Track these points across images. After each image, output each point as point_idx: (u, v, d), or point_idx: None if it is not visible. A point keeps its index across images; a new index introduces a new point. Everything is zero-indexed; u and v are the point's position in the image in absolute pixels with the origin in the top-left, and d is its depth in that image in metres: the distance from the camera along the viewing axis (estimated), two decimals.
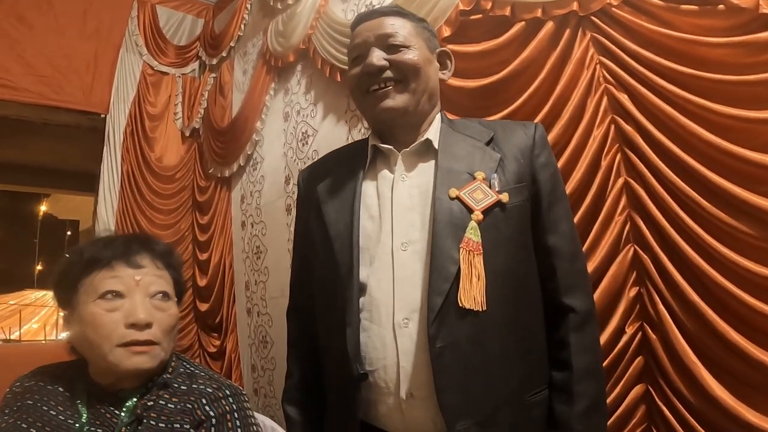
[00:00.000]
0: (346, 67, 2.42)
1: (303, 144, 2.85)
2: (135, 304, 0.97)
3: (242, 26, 3.58)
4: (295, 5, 2.92)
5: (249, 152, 3.34)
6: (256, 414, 1.24)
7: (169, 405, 0.99)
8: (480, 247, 0.96)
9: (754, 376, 1.30)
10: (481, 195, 0.99)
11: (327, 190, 1.14)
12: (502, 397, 0.95)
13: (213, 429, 0.98)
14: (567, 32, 1.70)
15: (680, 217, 1.43)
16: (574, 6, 1.65)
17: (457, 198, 0.99)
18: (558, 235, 1.04)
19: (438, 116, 1.15)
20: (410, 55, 1.07)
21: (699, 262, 1.39)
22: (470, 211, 0.98)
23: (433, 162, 1.06)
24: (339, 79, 2.53)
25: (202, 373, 1.08)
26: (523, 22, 1.78)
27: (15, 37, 3.43)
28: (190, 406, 0.99)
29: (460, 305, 0.93)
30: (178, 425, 0.97)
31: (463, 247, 0.95)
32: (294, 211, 2.85)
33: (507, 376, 0.96)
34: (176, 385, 1.03)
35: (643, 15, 1.53)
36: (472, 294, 0.93)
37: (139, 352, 0.96)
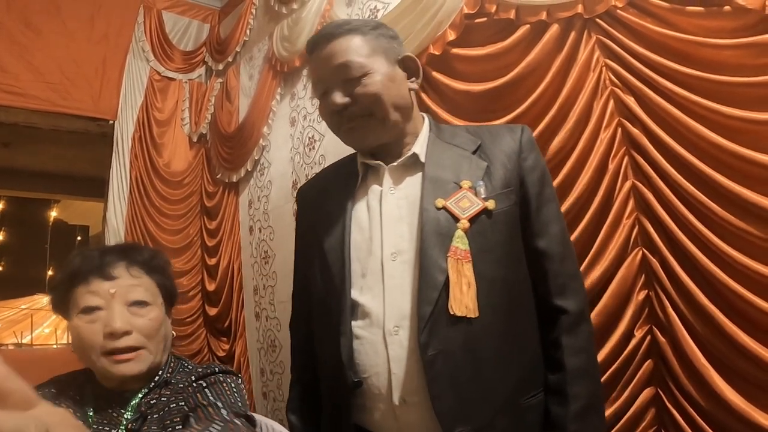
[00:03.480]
0: None
1: (310, 149, 2.86)
2: (112, 314, 1.01)
3: (248, 31, 3.60)
4: (300, 10, 2.93)
5: (256, 157, 3.35)
6: (264, 418, 1.27)
7: (171, 400, 1.03)
8: (468, 254, 0.97)
9: (764, 378, 1.29)
10: (467, 203, 1.01)
11: (321, 207, 1.17)
12: (498, 402, 0.96)
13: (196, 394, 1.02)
14: (572, 35, 1.70)
15: (688, 220, 1.42)
16: (579, 8, 1.65)
17: (444, 208, 1.00)
18: (547, 238, 1.05)
19: (426, 125, 1.15)
20: (370, 87, 1.04)
21: (707, 265, 1.38)
22: (456, 219, 0.99)
23: (420, 173, 1.07)
24: None
25: (198, 367, 1.12)
26: (528, 25, 1.78)
27: (24, 44, 3.44)
28: (182, 386, 1.04)
29: (451, 313, 0.94)
30: (176, 411, 1.01)
31: (450, 255, 0.96)
32: None
33: (501, 381, 0.97)
34: (174, 382, 1.07)
35: (648, 17, 1.53)
36: (464, 302, 0.94)
37: (123, 360, 1.00)
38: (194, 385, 1.03)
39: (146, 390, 1.05)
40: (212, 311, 3.71)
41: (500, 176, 1.04)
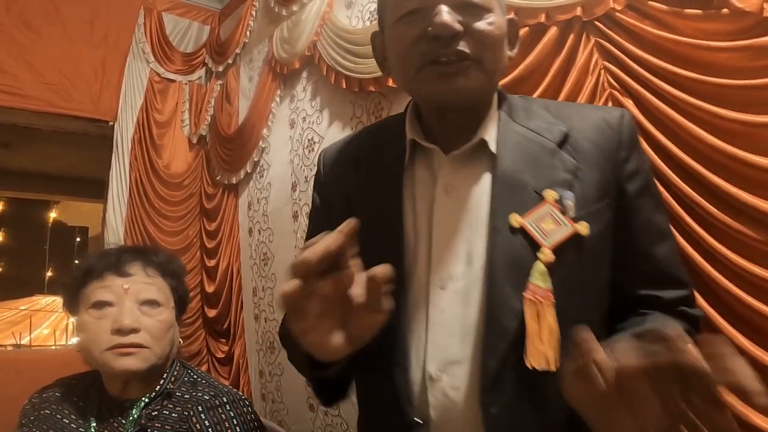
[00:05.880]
0: (352, 74, 2.42)
1: (309, 151, 2.86)
2: (122, 311, 1.01)
3: (248, 33, 3.60)
4: (300, 12, 2.94)
5: (256, 159, 3.36)
6: (266, 422, 1.25)
7: (173, 414, 1.02)
8: (551, 295, 0.73)
9: (763, 381, 1.29)
10: (551, 225, 0.76)
11: (357, 193, 0.89)
12: None
13: None
14: (571, 37, 1.70)
15: (686, 222, 1.42)
16: (578, 11, 1.65)
17: (522, 228, 0.75)
18: (651, 266, 0.81)
19: (494, 100, 0.87)
20: (493, 26, 0.77)
21: (705, 267, 1.38)
22: (537, 247, 0.75)
23: (488, 170, 0.81)
24: (344, 86, 2.54)
25: (204, 381, 1.10)
26: (526, 28, 1.78)
27: (24, 45, 3.44)
28: (187, 413, 1.01)
29: (527, 366, 0.72)
30: None
31: (528, 296, 0.73)
32: (301, 219, 2.85)
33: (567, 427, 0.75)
34: (179, 394, 1.05)
35: (646, 19, 1.53)
36: (543, 351, 0.72)
37: (125, 353, 0.99)
38: (201, 416, 1.01)
39: (147, 400, 1.03)
40: (211, 313, 3.71)
41: (594, 182, 0.78)
